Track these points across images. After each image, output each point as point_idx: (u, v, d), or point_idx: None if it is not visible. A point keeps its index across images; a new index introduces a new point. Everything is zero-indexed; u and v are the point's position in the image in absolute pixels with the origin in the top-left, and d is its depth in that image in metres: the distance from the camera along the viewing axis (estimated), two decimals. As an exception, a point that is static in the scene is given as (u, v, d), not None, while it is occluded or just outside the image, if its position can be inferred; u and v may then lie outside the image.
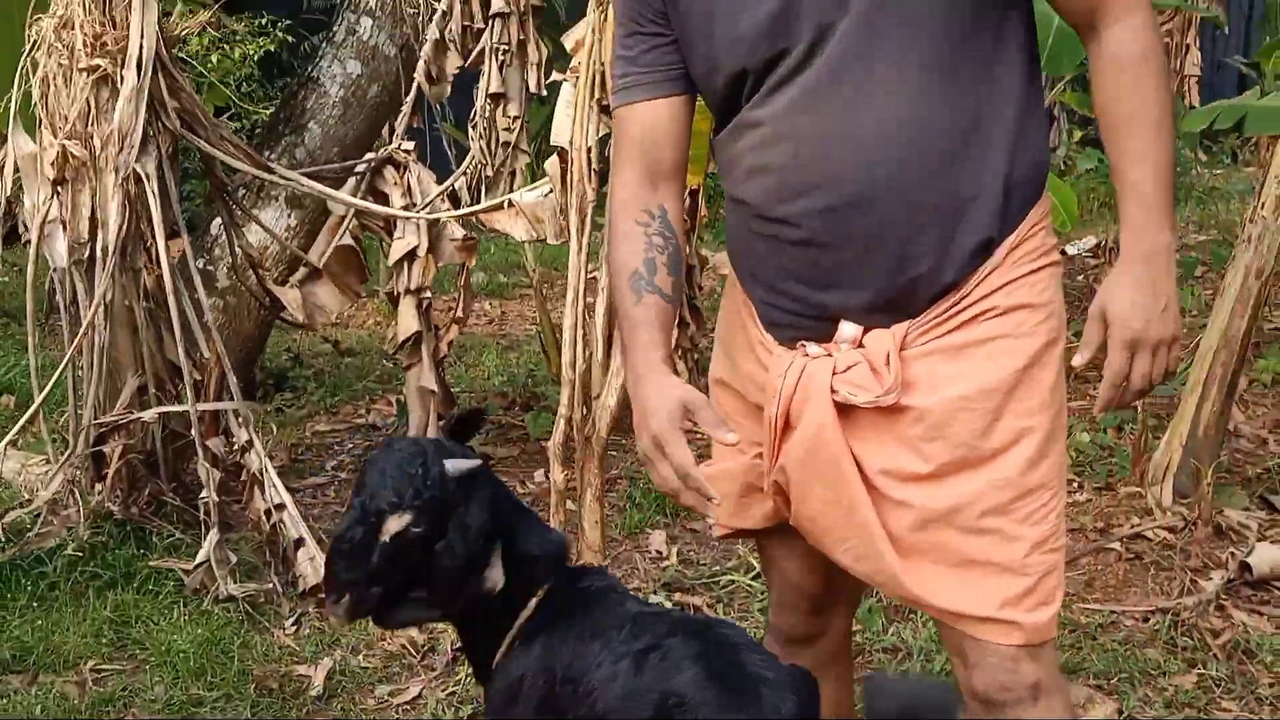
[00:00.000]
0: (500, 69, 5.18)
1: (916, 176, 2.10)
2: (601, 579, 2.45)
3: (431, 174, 5.04)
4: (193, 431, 4.20)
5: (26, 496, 4.50)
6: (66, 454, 4.31)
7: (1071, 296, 7.51)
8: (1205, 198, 10.89)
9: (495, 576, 2.32)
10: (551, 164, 4.09)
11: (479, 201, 5.23)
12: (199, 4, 7.35)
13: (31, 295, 4.30)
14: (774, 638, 2.64)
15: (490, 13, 5.10)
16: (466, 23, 5.21)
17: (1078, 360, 2.14)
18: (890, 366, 2.15)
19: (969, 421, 2.15)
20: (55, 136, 4.12)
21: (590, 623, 2.27)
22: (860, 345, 2.19)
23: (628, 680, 2.16)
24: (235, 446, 4.35)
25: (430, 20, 5.50)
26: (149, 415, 4.28)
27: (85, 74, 4.07)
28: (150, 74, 4.07)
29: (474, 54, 5.23)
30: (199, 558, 4.12)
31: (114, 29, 4.07)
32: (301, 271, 4.96)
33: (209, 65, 7.29)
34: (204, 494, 4.18)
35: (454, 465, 2.24)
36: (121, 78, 4.06)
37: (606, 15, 3.67)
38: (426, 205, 4.88)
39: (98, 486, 4.36)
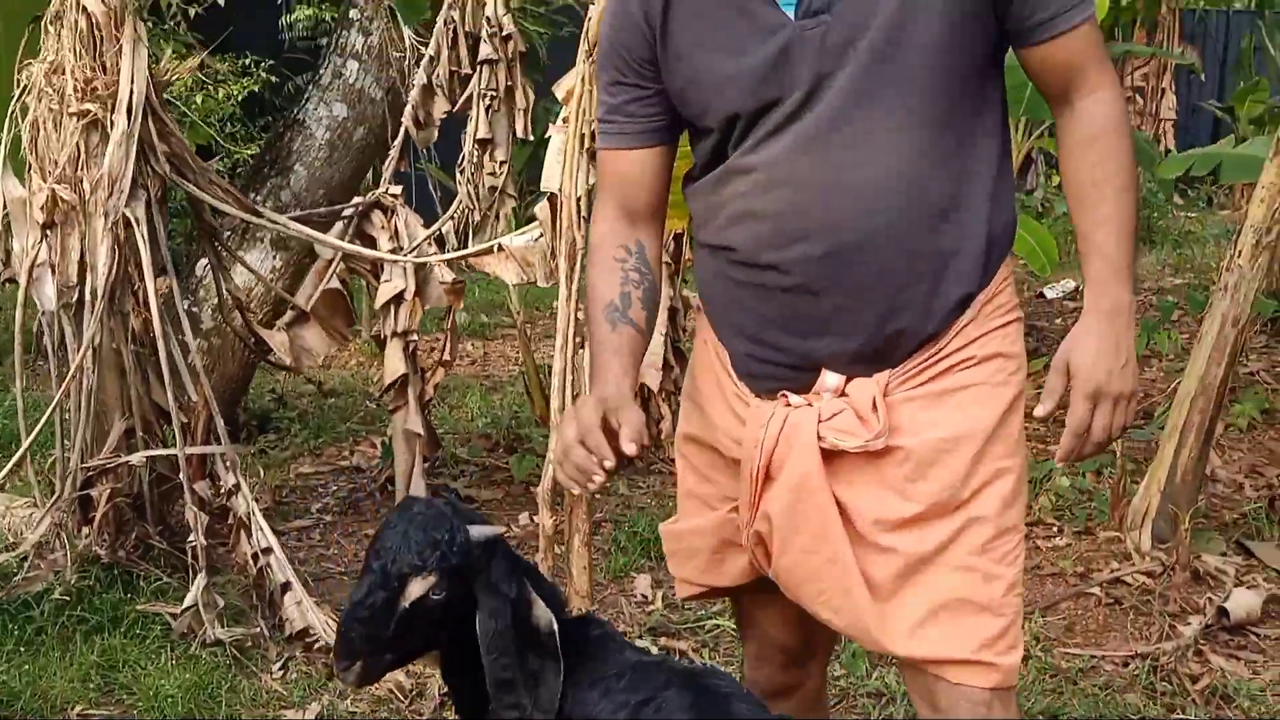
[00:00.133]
0: (488, 114, 5.22)
1: (912, 229, 2.16)
2: (599, 627, 2.45)
3: (419, 217, 5.08)
4: (181, 475, 4.21)
5: (12, 540, 4.48)
6: (54, 498, 4.31)
7: (1051, 339, 7.57)
8: (1181, 241, 10.98)
9: (542, 614, 2.28)
10: (542, 209, 4.12)
11: (465, 245, 5.27)
12: (183, 45, 7.41)
13: (19, 338, 4.31)
14: (751, 692, 2.64)
15: (478, 59, 5.15)
16: (454, 68, 5.26)
17: (1040, 411, 2.21)
18: (878, 412, 2.19)
19: (952, 464, 2.20)
20: (45, 181, 4.14)
21: (589, 671, 2.27)
22: (843, 394, 2.23)
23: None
24: (222, 490, 4.36)
25: (416, 64, 5.55)
26: (137, 459, 4.28)
27: (76, 119, 4.09)
28: (140, 119, 4.10)
29: (462, 99, 5.27)
30: (186, 602, 4.12)
31: (104, 74, 4.10)
32: (289, 314, 4.98)
33: (192, 105, 7.31)
34: (191, 538, 4.18)
35: (478, 531, 2.22)
36: (112, 122, 4.08)
37: (595, 65, 3.71)
38: (414, 248, 4.91)
39: (85, 530, 4.36)
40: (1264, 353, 7.44)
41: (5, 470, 4.31)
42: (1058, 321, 8.31)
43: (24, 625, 4.13)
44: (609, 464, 2.16)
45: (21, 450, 4.26)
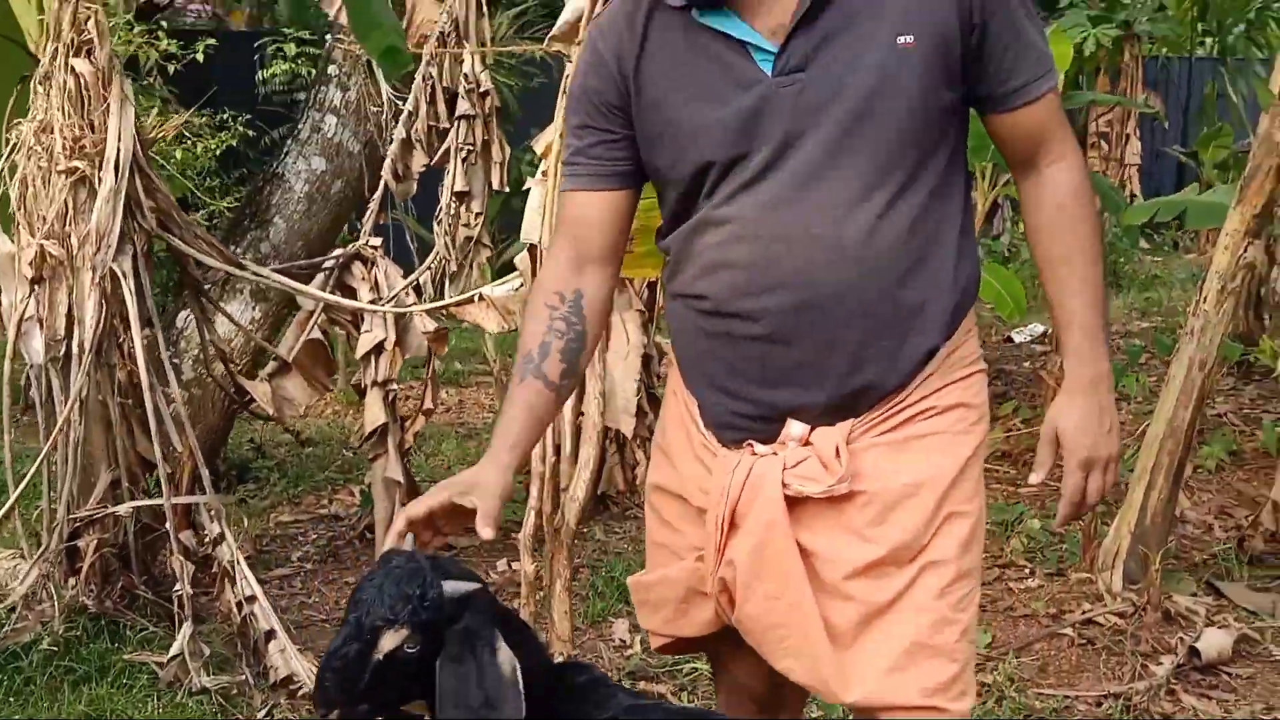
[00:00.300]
0: (465, 168, 5.31)
1: (880, 284, 2.20)
2: (585, 673, 2.44)
3: (398, 268, 5.15)
4: (167, 525, 4.25)
5: (0, 592, 4.51)
6: (41, 549, 4.34)
7: (1019, 382, 7.67)
8: (1148, 285, 11.11)
9: (505, 664, 2.22)
10: (521, 259, 4.20)
11: (442, 294, 5.35)
12: (159, 99, 7.47)
13: (7, 391, 4.35)
14: None
15: (456, 114, 5.24)
16: (432, 123, 5.35)
17: (1034, 479, 2.33)
18: (841, 458, 2.22)
19: (914, 509, 2.24)
20: (33, 236, 4.20)
21: (581, 716, 2.28)
22: (808, 443, 2.26)
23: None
24: (207, 539, 4.39)
25: (393, 119, 5.64)
26: (124, 509, 4.32)
27: (64, 176, 4.16)
28: (127, 175, 4.17)
29: (439, 153, 5.36)
30: (173, 650, 4.14)
31: (92, 132, 4.17)
32: (271, 365, 5.04)
33: (171, 160, 7.38)
34: (178, 587, 4.20)
35: (452, 587, 2.21)
36: (99, 179, 4.15)
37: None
38: (393, 298, 4.98)
39: (72, 581, 4.38)
40: (1231, 395, 7.55)
41: (-6, 523, 4.36)
42: (1025, 365, 8.40)
43: (13, 676, 4.15)
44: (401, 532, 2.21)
45: (9, 503, 4.30)
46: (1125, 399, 7.20)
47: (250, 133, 8.69)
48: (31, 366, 4.33)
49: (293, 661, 4.19)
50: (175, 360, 5.52)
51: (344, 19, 5.09)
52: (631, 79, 2.30)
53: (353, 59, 6.04)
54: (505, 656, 2.18)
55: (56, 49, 4.17)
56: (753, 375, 2.28)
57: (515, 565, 5.17)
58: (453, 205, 5.43)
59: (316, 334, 5.01)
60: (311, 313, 5.01)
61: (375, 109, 5.98)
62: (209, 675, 4.16)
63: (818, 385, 2.24)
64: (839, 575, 2.24)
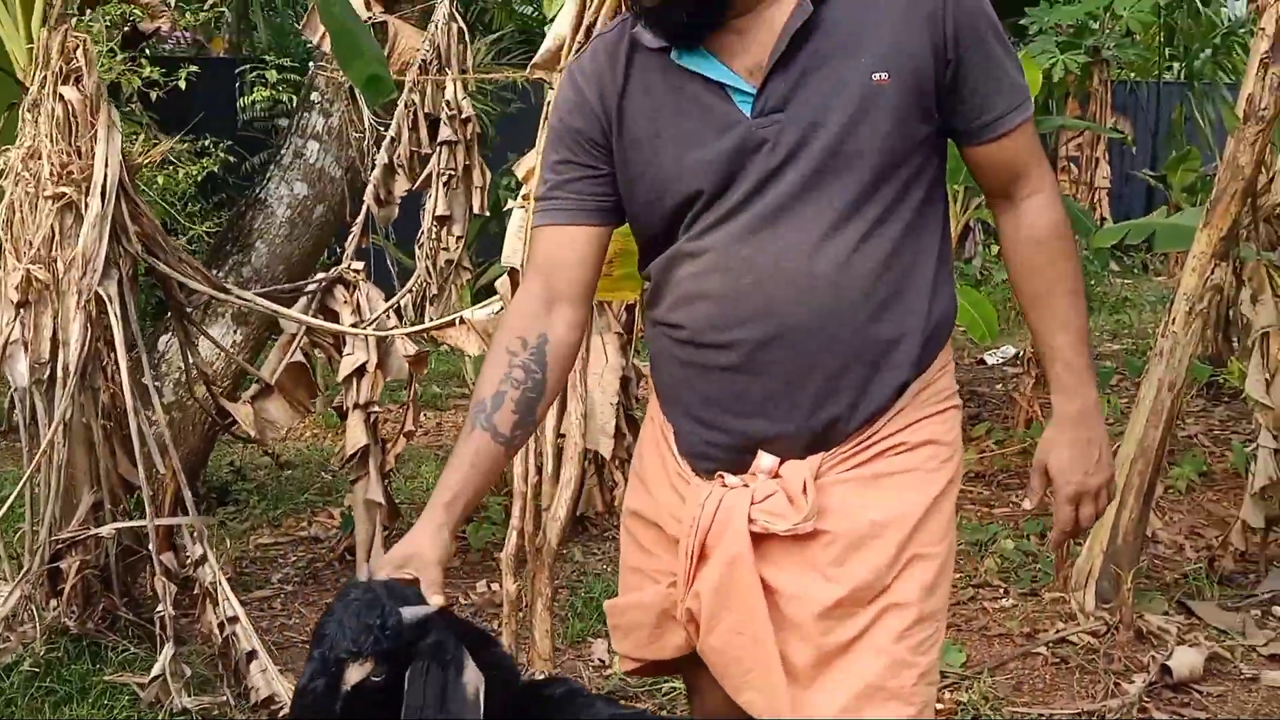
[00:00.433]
0: (446, 192, 5.37)
1: (853, 317, 2.21)
2: (562, 685, 2.44)
3: (380, 292, 5.20)
4: (150, 546, 4.27)
5: (-20, 614, 4.54)
6: (23, 571, 4.36)
7: (993, 404, 7.73)
8: (1118, 307, 11.21)
9: (470, 681, 2.22)
10: (502, 283, 4.24)
11: (422, 317, 5.39)
12: (139, 125, 7.52)
13: (-10, 414, 4.39)
14: None
15: (438, 140, 5.29)
16: (415, 148, 5.41)
17: (1027, 504, 2.40)
18: (808, 495, 2.23)
19: (878, 549, 2.24)
20: (20, 261, 4.23)
21: None
22: (777, 475, 2.27)
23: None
24: (188, 560, 4.42)
25: (375, 144, 5.70)
26: (106, 531, 4.34)
27: (51, 201, 4.19)
28: (114, 200, 4.21)
29: (421, 178, 5.41)
30: (154, 671, 4.15)
31: (79, 158, 4.21)
32: (254, 388, 5.08)
33: (154, 185, 7.44)
34: (159, 608, 4.22)
35: (410, 612, 2.19)
36: (86, 205, 4.19)
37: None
38: (374, 321, 5.03)
39: (53, 602, 4.39)
40: (1201, 416, 7.63)
41: (-25, 546, 4.37)
42: (998, 387, 8.47)
43: (-6, 697, 4.18)
44: None
45: (-8, 525, 4.33)
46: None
47: (230, 159, 8.76)
48: (16, 390, 4.35)
49: (274, 682, 4.20)
50: (157, 384, 5.55)
51: (327, 47, 5.14)
52: (614, 117, 2.31)
53: (335, 85, 6.09)
54: (471, 676, 2.19)
55: (45, 77, 4.21)
56: (726, 405, 2.29)
57: (495, 586, 5.20)
58: (434, 229, 5.48)
59: (299, 357, 5.05)
60: (295, 335, 5.05)
61: (357, 135, 6.03)
62: (190, 696, 4.17)
63: (787, 417, 2.25)
64: (802, 613, 2.25)
